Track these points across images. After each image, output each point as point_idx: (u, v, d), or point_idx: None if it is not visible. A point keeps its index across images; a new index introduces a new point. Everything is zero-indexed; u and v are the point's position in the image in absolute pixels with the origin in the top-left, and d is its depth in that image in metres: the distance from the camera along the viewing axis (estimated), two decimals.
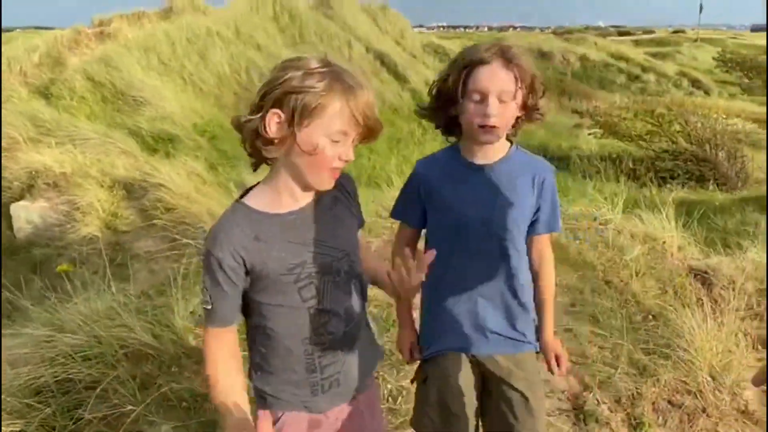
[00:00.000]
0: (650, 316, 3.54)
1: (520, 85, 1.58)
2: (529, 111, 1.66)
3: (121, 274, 4.39)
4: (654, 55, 30.46)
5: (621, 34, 50.51)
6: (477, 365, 1.79)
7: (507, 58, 1.57)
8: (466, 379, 1.76)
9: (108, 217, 6.83)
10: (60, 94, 12.39)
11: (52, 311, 3.06)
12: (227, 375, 1.35)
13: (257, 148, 1.34)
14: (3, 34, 12.70)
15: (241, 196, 1.42)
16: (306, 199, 1.42)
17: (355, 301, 1.48)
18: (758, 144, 13.62)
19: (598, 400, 2.83)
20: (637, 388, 2.91)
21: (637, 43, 36.67)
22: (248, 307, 1.42)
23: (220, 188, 7.91)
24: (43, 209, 7.31)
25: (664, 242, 4.49)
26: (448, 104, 1.65)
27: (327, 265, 1.41)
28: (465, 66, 1.59)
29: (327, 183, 1.39)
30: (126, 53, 13.90)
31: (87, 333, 2.87)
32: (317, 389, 1.45)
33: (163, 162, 8.24)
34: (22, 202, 7.11)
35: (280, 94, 1.27)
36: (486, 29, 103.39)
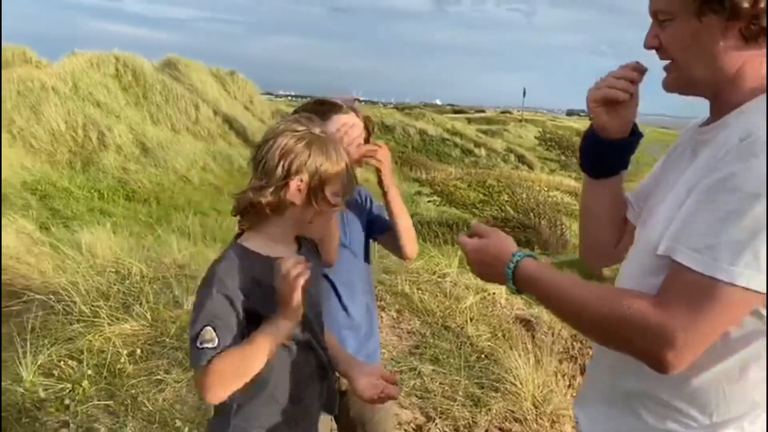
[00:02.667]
0: (483, 356, 3.97)
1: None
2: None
3: None
4: (485, 132, 33.31)
5: (456, 111, 54.54)
6: None
7: (355, 109, 1.89)
8: None
9: None
10: None
11: None
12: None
13: (263, 213, 1.38)
14: None
15: (235, 238, 1.45)
16: (292, 247, 1.48)
17: (319, 336, 1.54)
18: (574, 214, 15.38)
19: (439, 430, 3.15)
20: (472, 417, 3.28)
21: (469, 121, 39.74)
22: None
23: (52, 248, 7.47)
24: None
25: (494, 293, 5.05)
26: None
27: (311, 310, 1.47)
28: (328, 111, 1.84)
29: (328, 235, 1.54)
30: None
31: None
32: (290, 421, 1.47)
33: None
34: None
35: (303, 161, 1.36)
36: None
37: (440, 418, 3.24)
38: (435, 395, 3.41)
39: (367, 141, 1.91)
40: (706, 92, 1.17)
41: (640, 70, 1.26)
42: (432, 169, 23.09)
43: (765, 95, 1.07)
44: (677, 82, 1.18)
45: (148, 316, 3.72)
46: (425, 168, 23.26)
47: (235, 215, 1.45)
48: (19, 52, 17.45)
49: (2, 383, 2.85)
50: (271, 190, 1.35)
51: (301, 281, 1.31)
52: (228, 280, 1.33)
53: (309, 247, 1.55)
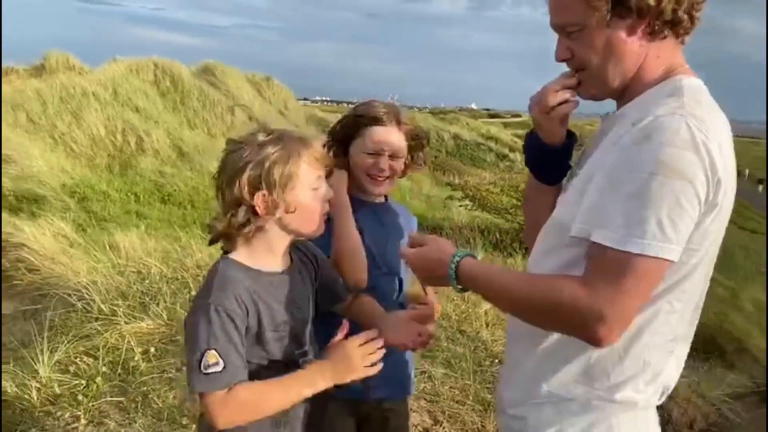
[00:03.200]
0: (497, 361, 3.93)
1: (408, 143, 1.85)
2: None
3: None
4: (521, 137, 33.01)
5: (491, 116, 54.24)
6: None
7: (399, 120, 1.83)
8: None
9: None
10: None
11: None
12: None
13: (242, 231, 1.35)
14: None
15: (224, 253, 1.41)
16: (284, 260, 1.46)
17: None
18: None
19: None
20: (481, 422, 3.25)
21: (505, 125, 39.50)
22: None
23: (88, 249, 7.68)
24: None
25: None
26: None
27: (302, 327, 1.45)
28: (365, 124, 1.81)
29: (321, 227, 1.45)
30: None
31: None
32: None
33: (27, 222, 7.91)
34: None
35: (253, 177, 1.31)
36: None
37: (448, 421, 3.22)
38: (445, 399, 3.39)
39: (420, 149, 1.89)
40: (617, 93, 1.26)
41: (576, 78, 1.32)
42: (465, 174, 22.97)
43: (657, 86, 1.19)
44: (593, 89, 1.27)
45: (165, 316, 3.80)
46: (459, 173, 23.15)
47: (211, 245, 1.44)
48: (63, 59, 18.03)
49: (20, 378, 2.94)
50: (240, 216, 1.32)
51: (374, 369, 1.34)
52: (225, 299, 1.28)
53: (303, 257, 1.53)
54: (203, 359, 1.23)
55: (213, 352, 1.24)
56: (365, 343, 1.37)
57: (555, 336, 1.22)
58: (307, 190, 1.38)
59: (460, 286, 1.26)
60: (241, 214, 1.33)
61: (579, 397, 1.21)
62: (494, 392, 3.52)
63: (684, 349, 1.26)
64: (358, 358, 1.34)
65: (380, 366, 1.38)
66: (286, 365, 1.39)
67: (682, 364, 1.26)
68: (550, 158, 1.42)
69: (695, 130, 1.05)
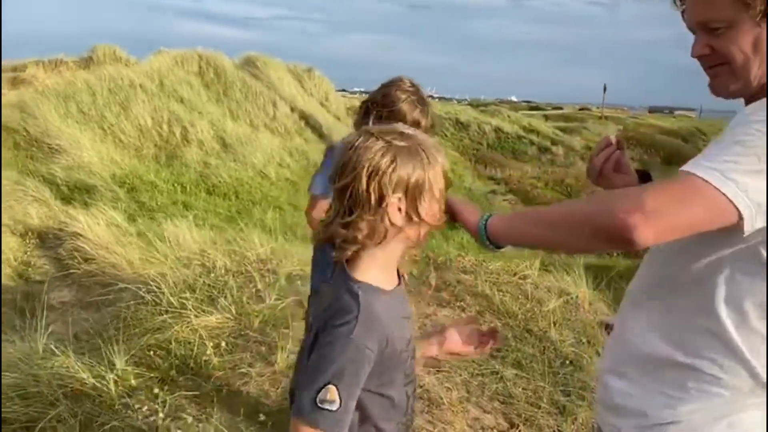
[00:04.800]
0: (568, 362, 3.82)
1: None
2: None
3: (33, 325, 4.27)
4: (563, 130, 32.48)
5: (532, 108, 53.47)
6: None
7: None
8: None
9: (20, 266, 6.57)
10: None
11: None
12: None
13: (369, 239, 1.22)
14: None
15: (342, 268, 1.28)
16: (395, 279, 1.34)
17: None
18: None
19: None
20: (558, 426, 3.15)
21: (547, 118, 38.83)
22: None
23: (141, 239, 7.79)
24: None
25: (576, 297, 4.86)
26: None
27: (411, 350, 1.33)
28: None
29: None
30: (42, 100, 13.54)
31: (24, 372, 2.82)
32: None
33: (80, 211, 8.05)
34: None
35: (392, 180, 1.19)
36: None
37: (525, 425, 3.13)
38: (518, 401, 3.31)
39: None
40: (755, 93, 1.19)
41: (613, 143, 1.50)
42: (507, 168, 22.70)
43: None
44: (733, 86, 1.21)
45: (233, 310, 3.79)
46: (500, 166, 22.89)
47: (319, 245, 1.39)
48: (110, 52, 18.33)
49: (97, 370, 2.95)
50: (367, 220, 1.20)
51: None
52: (369, 337, 1.16)
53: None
54: (322, 390, 1.13)
55: (333, 388, 1.13)
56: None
57: None
58: (435, 202, 1.26)
59: (487, 240, 1.29)
60: (368, 218, 1.20)
61: None
62: None
63: None
64: None
65: None
66: (409, 393, 1.33)
67: None
68: None
69: None
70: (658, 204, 1.01)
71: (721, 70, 1.20)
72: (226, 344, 3.46)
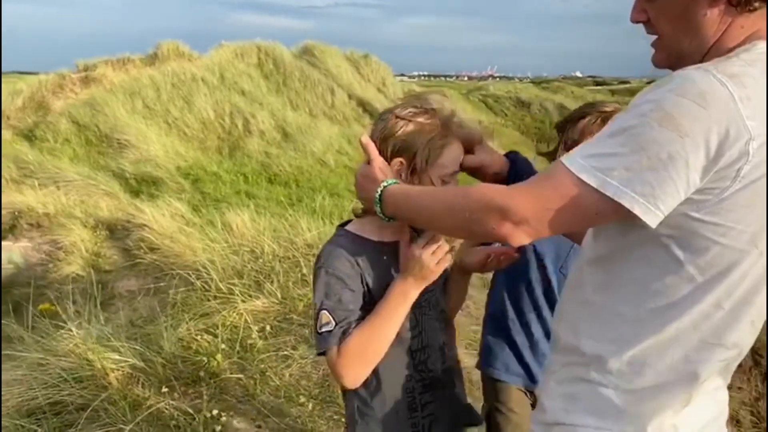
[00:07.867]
0: None
1: None
2: None
3: (104, 312, 4.49)
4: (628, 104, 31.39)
5: (597, 83, 51.84)
6: None
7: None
8: None
9: (91, 256, 6.88)
10: (43, 136, 12.52)
11: (45, 336, 3.16)
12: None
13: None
14: None
15: (342, 225, 1.44)
16: (405, 236, 1.38)
17: (446, 338, 1.48)
18: None
19: None
20: None
21: (613, 93, 37.67)
22: None
23: (203, 229, 8.03)
24: (25, 249, 7.36)
25: None
26: None
27: (421, 298, 1.36)
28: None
29: None
30: (111, 97, 14.10)
31: (79, 356, 2.97)
32: (418, 429, 1.40)
33: (147, 203, 8.35)
34: (4, 243, 7.14)
35: (401, 143, 1.31)
36: (466, 78, 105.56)
37: None
38: None
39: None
40: (692, 63, 1.05)
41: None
42: None
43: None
44: (667, 59, 1.11)
45: (278, 294, 3.86)
46: None
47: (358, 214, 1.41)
48: (173, 47, 18.84)
49: (146, 354, 3.07)
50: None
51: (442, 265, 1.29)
52: (335, 261, 1.31)
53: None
54: (318, 320, 1.28)
55: (324, 312, 1.28)
56: (427, 244, 1.30)
57: None
58: (438, 177, 1.34)
59: (382, 212, 1.24)
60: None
61: None
62: None
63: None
64: (429, 261, 1.28)
65: (449, 259, 1.33)
66: (414, 348, 1.39)
67: None
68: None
69: (717, 85, 0.91)
70: (527, 212, 0.99)
71: (657, 43, 1.11)
72: (271, 328, 3.53)
